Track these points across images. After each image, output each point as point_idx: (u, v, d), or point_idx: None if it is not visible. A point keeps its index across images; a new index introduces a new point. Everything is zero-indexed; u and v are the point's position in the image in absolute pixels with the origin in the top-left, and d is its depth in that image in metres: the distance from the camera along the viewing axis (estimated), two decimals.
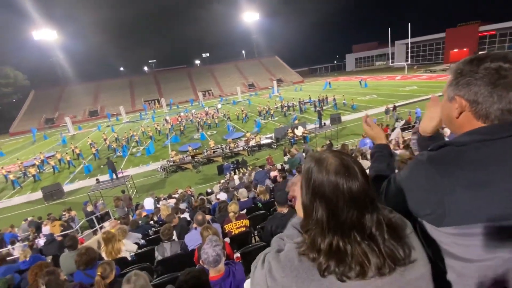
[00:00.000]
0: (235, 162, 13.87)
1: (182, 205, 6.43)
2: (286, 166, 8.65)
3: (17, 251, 6.53)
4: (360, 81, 35.55)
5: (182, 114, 31.29)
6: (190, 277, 1.64)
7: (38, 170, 17.18)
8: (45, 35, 51.53)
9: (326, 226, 0.61)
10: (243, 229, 3.35)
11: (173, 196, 9.25)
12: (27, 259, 4.43)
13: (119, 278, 2.29)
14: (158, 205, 7.60)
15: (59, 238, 5.57)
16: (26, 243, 5.68)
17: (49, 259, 4.72)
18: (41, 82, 57.44)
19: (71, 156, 18.72)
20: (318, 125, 17.56)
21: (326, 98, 25.96)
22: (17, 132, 43.31)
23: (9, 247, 7.23)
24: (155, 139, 21.74)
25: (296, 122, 17.32)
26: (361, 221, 0.60)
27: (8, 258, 5.27)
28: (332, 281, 0.59)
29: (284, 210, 2.71)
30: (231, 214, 3.38)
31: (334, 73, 74.43)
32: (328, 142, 11.66)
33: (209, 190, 9.71)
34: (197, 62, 77.87)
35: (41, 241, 6.82)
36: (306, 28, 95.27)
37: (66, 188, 14.02)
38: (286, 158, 12.25)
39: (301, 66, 77.11)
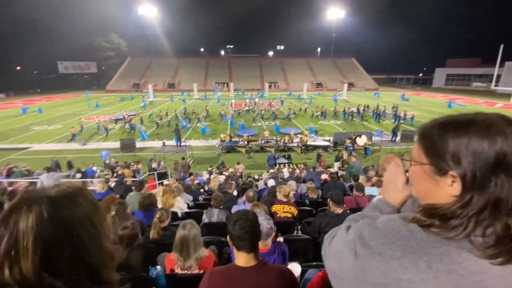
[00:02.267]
0: (286, 156, 13.81)
1: (231, 182, 6.72)
2: (340, 172, 8.18)
3: (95, 184, 7.87)
4: (449, 102, 29.08)
5: (247, 101, 32.28)
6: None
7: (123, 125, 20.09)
8: (147, 10, 59.01)
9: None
10: (289, 215, 3.31)
11: (223, 173, 9.77)
12: (102, 191, 5.28)
13: (172, 226, 2.52)
14: (209, 177, 8.13)
15: (128, 182, 6.50)
16: (103, 179, 6.78)
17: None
18: (136, 51, 66.40)
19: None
20: (382, 138, 16.07)
21: (403, 113, 22.99)
22: (111, 90, 51.48)
23: (89, 179, 8.78)
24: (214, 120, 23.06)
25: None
26: None
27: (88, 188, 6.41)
28: (465, 258, 0.49)
29: (339, 210, 2.55)
30: (280, 196, 3.36)
31: (417, 87, 66.33)
32: None
33: (256, 177, 9.93)
34: (271, 53, 78.78)
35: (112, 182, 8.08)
36: (393, 32, 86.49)
37: (138, 144, 16.12)
38: (337, 164, 11.63)
39: (378, 72, 70.80)
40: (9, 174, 8.67)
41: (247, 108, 27.72)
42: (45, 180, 6.23)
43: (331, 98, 36.68)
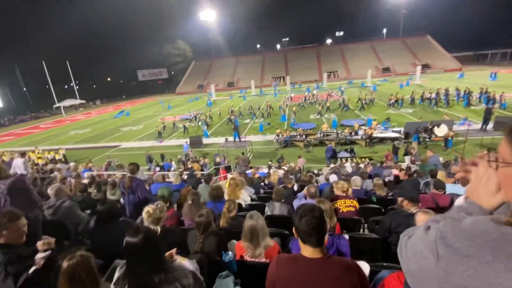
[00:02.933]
0: (349, 149, 13.05)
1: (291, 177, 6.77)
2: (414, 167, 7.31)
3: (171, 177, 8.98)
4: None
5: (306, 93, 31.51)
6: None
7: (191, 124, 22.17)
8: (207, 15, 63.04)
9: None
10: (352, 209, 3.19)
11: (282, 167, 9.88)
12: (177, 183, 6.01)
13: (239, 216, 2.73)
14: (269, 171, 8.35)
15: (198, 175, 7.24)
16: (177, 172, 7.70)
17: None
18: (199, 54, 71.99)
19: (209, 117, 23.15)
20: (469, 127, 13.55)
21: (494, 95, 18.87)
22: (180, 92, 57.27)
23: (167, 172, 10.05)
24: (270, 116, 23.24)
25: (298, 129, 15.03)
26: None
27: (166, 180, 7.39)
28: None
29: (413, 209, 2.33)
30: (339, 192, 3.26)
31: None
32: (486, 150, 8.86)
33: (316, 171, 9.70)
34: (329, 41, 74.62)
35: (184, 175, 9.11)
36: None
37: (204, 140, 17.58)
38: (407, 159, 10.40)
39: (462, 49, 59.51)
40: (107, 168, 10.64)
41: (305, 101, 27.07)
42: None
43: (398, 84, 32.75)
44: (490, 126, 13.67)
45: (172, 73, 73.99)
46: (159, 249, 1.28)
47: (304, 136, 15.21)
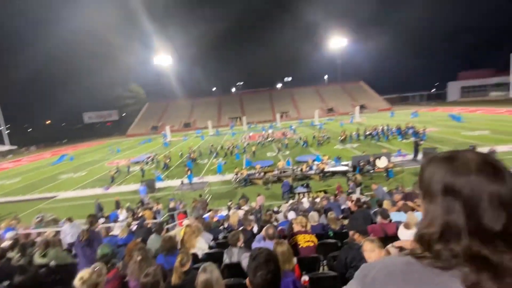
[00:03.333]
0: (305, 184, 13.50)
1: (251, 217, 6.59)
2: (363, 198, 7.83)
3: (116, 229, 7.96)
4: (452, 115, 26.06)
5: (263, 132, 32.76)
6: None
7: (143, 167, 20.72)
8: (162, 59, 64.35)
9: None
10: (311, 244, 3.18)
11: (242, 207, 9.63)
12: (124, 236, 5.33)
13: (193, 269, 2.48)
14: (229, 213, 8.03)
15: (149, 225, 6.54)
16: (125, 223, 6.88)
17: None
18: (154, 96, 71.24)
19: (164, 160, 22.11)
20: (404, 158, 15.47)
21: (419, 130, 22.37)
22: (132, 134, 54.41)
23: (112, 224, 8.91)
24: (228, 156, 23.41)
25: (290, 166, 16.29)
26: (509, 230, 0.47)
27: (110, 233, 6.51)
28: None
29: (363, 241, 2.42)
30: (298, 227, 3.26)
31: (432, 103, 65.05)
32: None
33: (276, 209, 9.68)
34: (279, 85, 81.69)
35: (133, 226, 8.16)
36: (399, 51, 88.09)
37: (158, 184, 16.44)
38: (358, 190, 11.25)
39: (390, 92, 70.72)
40: (37, 225, 9.01)
41: (262, 140, 28.05)
42: (68, 230, 6.40)
43: (345, 123, 36.60)
44: (420, 156, 15.76)
45: (124, 114, 70.94)
46: None
47: (262, 174, 15.40)
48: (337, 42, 67.65)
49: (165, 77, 71.05)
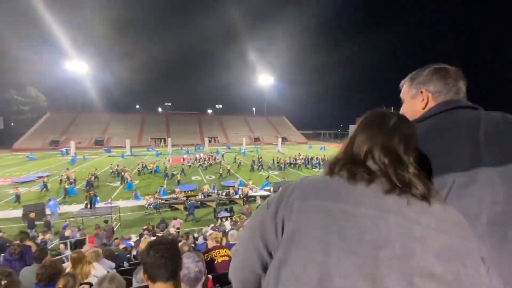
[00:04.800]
0: (228, 209, 13.38)
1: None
2: None
3: None
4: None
5: (185, 156, 31.51)
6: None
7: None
8: (77, 66, 56.35)
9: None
10: (227, 258, 3.04)
11: (157, 234, 8.63)
12: None
13: None
14: (140, 239, 7.03)
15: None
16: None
17: None
18: (59, 106, 60.20)
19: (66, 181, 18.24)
20: None
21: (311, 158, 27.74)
22: (21, 148, 43.49)
23: None
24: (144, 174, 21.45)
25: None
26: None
27: None
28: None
29: None
30: (213, 242, 3.10)
31: (338, 140, 77.08)
32: None
33: (196, 235, 9.07)
34: (210, 111, 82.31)
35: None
36: (314, 94, 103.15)
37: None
38: None
39: (306, 128, 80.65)
40: None
41: (187, 163, 26.84)
42: None
43: (270, 151, 39.12)
44: None
45: (12, 124, 56.58)
46: None
47: (185, 198, 14.48)
48: (265, 80, 74.51)
49: (77, 85, 61.89)
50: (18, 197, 15.00)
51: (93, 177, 18.82)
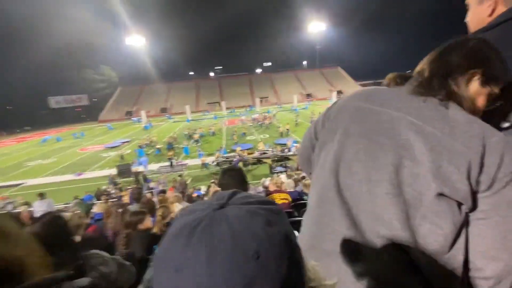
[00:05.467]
0: (284, 165, 13.91)
1: None
2: None
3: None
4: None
5: (243, 117, 32.61)
6: None
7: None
8: (135, 40, 60.82)
9: None
10: (286, 201, 3.39)
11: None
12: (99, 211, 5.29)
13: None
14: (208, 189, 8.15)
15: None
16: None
17: None
18: (127, 80, 67.57)
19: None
20: None
21: None
22: (104, 120, 51.73)
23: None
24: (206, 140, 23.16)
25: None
26: None
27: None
28: None
29: None
30: (274, 187, 3.45)
31: None
32: None
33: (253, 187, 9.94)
34: (259, 70, 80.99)
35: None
36: (375, 38, 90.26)
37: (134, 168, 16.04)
38: None
39: (366, 78, 73.08)
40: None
41: (241, 123, 28.10)
42: (37, 207, 6.18)
43: (320, 106, 37.47)
44: None
45: (94, 99, 66.74)
46: (66, 236, 1.12)
47: (243, 155, 15.55)
48: (316, 27, 67.82)
49: (139, 59, 67.55)
50: (122, 157, 18.53)
51: (173, 139, 21.72)
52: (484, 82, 0.65)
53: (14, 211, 7.50)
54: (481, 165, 0.56)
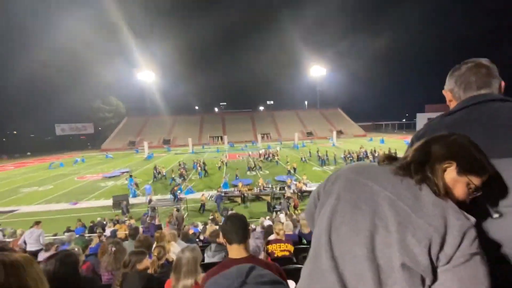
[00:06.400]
0: (280, 202, 13.64)
1: None
2: None
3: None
4: (407, 141, 31.37)
5: (250, 152, 32.86)
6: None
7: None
8: (146, 75, 64.21)
9: None
10: (287, 253, 3.28)
11: (219, 223, 9.49)
12: (94, 245, 5.10)
13: (168, 265, 2.52)
14: (205, 226, 7.90)
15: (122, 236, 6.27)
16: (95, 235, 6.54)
17: None
18: (134, 111, 69.69)
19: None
20: None
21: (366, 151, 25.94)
22: (106, 148, 52.13)
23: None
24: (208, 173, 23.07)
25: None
26: None
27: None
28: None
29: None
30: (274, 235, 3.36)
31: (403, 131, 69.68)
32: None
33: (253, 226, 9.63)
34: (261, 108, 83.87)
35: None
36: (373, 82, 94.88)
37: (131, 200, 15.76)
38: None
39: (365, 120, 75.10)
40: None
41: (262, 157, 28.46)
42: (27, 237, 5.96)
43: (327, 145, 37.90)
44: None
45: (99, 128, 68.11)
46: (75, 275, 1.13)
47: (244, 191, 15.31)
48: (317, 71, 71.93)
49: (147, 92, 70.50)
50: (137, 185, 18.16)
51: (183, 170, 21.70)
52: (461, 172, 0.74)
53: (3, 239, 7.24)
54: (442, 243, 0.64)
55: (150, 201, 13.48)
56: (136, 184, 18.09)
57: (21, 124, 66.23)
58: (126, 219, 10.31)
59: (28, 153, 55.48)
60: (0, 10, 61.82)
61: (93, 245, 5.15)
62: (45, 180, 24.29)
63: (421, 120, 69.82)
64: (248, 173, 22.39)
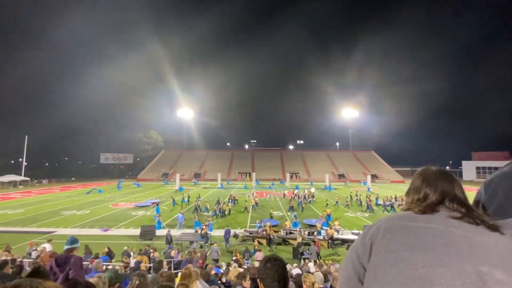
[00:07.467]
0: (309, 249, 12.63)
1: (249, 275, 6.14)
2: None
3: None
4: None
5: (286, 192, 32.15)
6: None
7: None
8: (185, 113, 69.42)
9: None
10: None
11: (243, 266, 8.98)
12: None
13: None
14: (228, 268, 7.50)
15: (143, 268, 6.19)
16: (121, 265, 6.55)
17: None
18: (171, 144, 74.25)
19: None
20: None
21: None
22: (142, 179, 54.95)
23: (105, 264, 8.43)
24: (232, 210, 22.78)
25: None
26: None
27: None
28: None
29: None
30: (308, 285, 3.03)
31: None
32: None
33: None
34: (291, 147, 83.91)
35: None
36: (412, 125, 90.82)
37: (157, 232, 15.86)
38: None
39: (402, 165, 70.33)
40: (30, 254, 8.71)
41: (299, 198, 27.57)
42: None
43: (359, 187, 35.79)
44: None
45: (138, 159, 73.06)
46: None
47: (270, 233, 14.60)
48: (349, 113, 71.50)
49: (185, 128, 75.48)
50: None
51: (218, 205, 21.70)
52: None
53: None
54: None
55: (170, 240, 12.92)
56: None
57: (72, 152, 74.10)
58: (151, 251, 10.26)
59: (73, 178, 60.55)
60: (59, 50, 74.80)
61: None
62: (84, 204, 25.86)
63: (468, 168, 63.56)
64: (275, 213, 21.57)
